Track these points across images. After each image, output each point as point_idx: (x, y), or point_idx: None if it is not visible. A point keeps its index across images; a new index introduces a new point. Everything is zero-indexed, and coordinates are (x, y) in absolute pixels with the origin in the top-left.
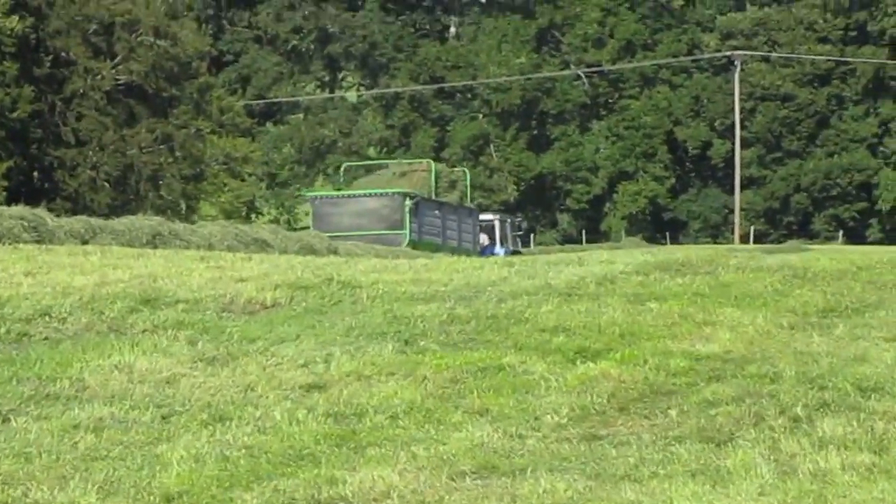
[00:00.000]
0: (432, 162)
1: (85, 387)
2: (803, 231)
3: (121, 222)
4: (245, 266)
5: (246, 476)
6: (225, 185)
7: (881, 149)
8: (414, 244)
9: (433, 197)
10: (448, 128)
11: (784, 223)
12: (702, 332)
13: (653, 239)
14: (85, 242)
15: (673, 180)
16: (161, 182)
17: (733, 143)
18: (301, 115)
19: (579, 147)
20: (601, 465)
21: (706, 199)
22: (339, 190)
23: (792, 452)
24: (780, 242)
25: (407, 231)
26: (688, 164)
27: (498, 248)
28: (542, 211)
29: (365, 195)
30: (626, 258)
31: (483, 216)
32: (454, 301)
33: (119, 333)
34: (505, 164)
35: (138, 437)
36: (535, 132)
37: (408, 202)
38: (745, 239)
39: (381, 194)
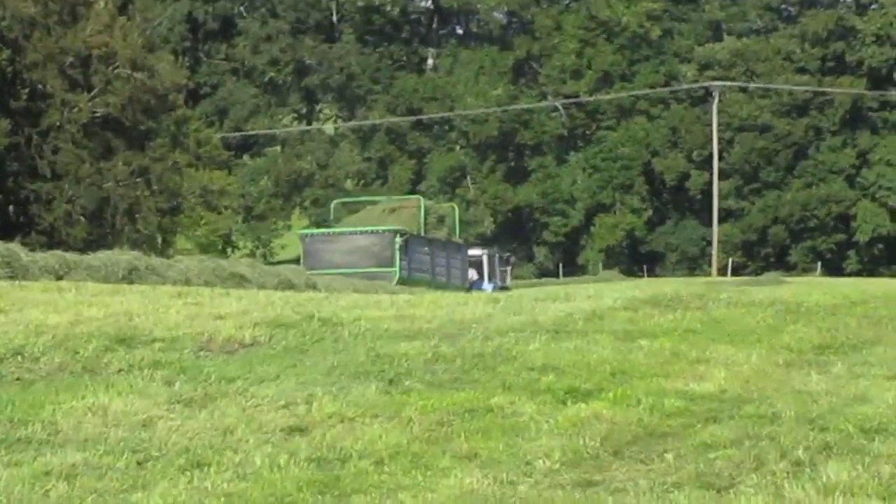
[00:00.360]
0: (421, 198)
1: (58, 430)
2: (781, 263)
3: (96, 257)
4: (223, 302)
5: None
6: (201, 218)
7: (859, 180)
8: (404, 281)
9: (422, 233)
10: (425, 160)
11: (762, 255)
12: (695, 370)
13: (630, 272)
14: (59, 278)
15: (650, 212)
16: (137, 215)
17: (711, 175)
18: (278, 148)
19: (556, 179)
20: None
21: (683, 231)
22: (329, 227)
23: (797, 500)
24: (757, 275)
25: (397, 268)
26: (665, 195)
27: (486, 284)
28: (518, 244)
29: (355, 233)
30: (614, 293)
31: (471, 251)
32: (438, 339)
33: (93, 374)
34: (482, 197)
35: (112, 485)
36: (513, 164)
37: (398, 239)
38: (722, 271)
39: (372, 232)
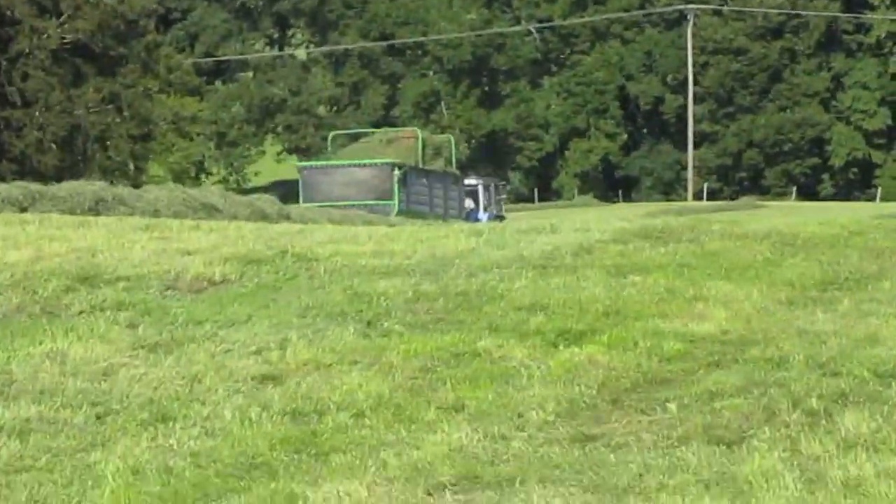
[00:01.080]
0: (419, 130)
1: (12, 380)
2: (756, 187)
3: (62, 188)
4: (192, 237)
5: (192, 492)
6: (173, 144)
7: (833, 104)
8: (402, 213)
9: (420, 165)
10: (399, 85)
11: (736, 179)
12: (693, 308)
13: (605, 197)
14: (24, 210)
15: (625, 137)
16: (109, 142)
17: (685, 99)
18: (250, 74)
19: (530, 103)
20: (599, 475)
21: (658, 155)
22: (327, 159)
23: (815, 455)
24: (732, 199)
25: (396, 201)
26: (640, 119)
27: (482, 213)
28: (493, 169)
29: (354, 166)
30: (602, 225)
31: (467, 181)
32: (419, 276)
33: (52, 316)
34: (456, 122)
35: (69, 443)
36: (486, 89)
37: (396, 172)
38: (698, 196)
39: (371, 165)
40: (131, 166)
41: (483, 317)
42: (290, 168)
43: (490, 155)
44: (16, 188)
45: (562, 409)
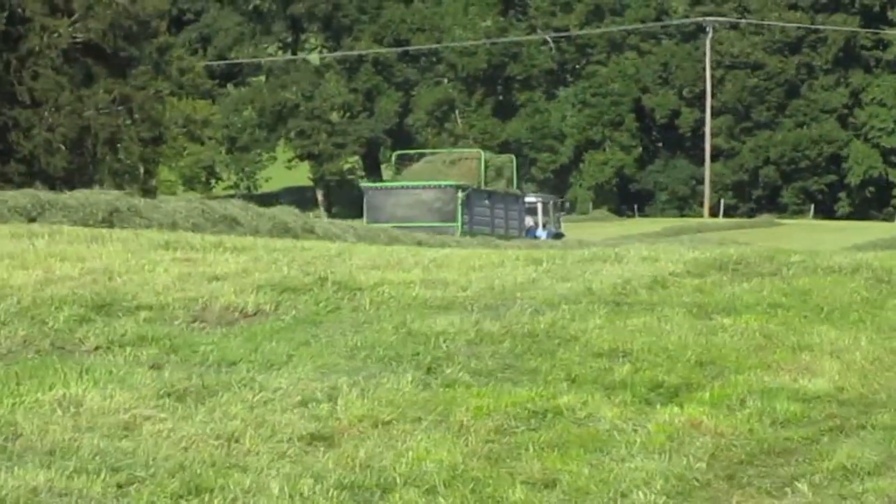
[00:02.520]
0: (482, 151)
1: (17, 434)
2: (772, 204)
3: (73, 196)
4: (219, 259)
5: None
6: (184, 148)
7: (851, 120)
8: (465, 235)
9: (482, 186)
10: (413, 92)
11: (753, 196)
12: (799, 359)
13: (619, 211)
14: (32, 220)
15: (640, 150)
16: (119, 145)
17: (702, 112)
18: (263, 78)
19: (545, 114)
20: None
21: (674, 170)
22: (390, 180)
23: None
24: (749, 216)
25: (459, 223)
26: (655, 133)
27: (540, 231)
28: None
29: (418, 187)
30: (670, 254)
31: (527, 199)
32: (478, 311)
33: (64, 352)
34: (470, 131)
35: None
36: (501, 98)
37: (460, 194)
38: (714, 212)
39: (435, 187)
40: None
41: (558, 364)
42: (301, 174)
43: None
44: (24, 196)
45: (671, 488)
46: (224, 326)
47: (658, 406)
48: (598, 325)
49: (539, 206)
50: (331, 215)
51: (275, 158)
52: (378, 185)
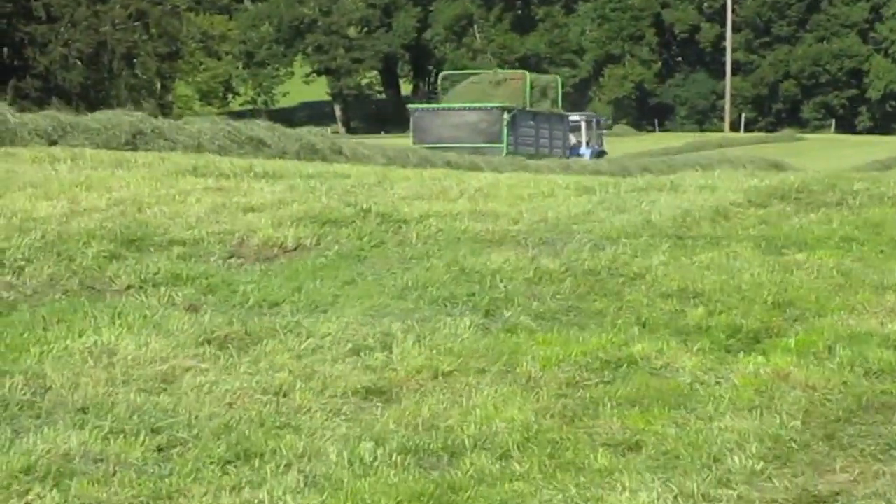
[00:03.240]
0: (527, 73)
1: (46, 387)
2: (792, 119)
3: (95, 118)
4: (253, 188)
5: None
6: (201, 64)
7: (872, 35)
8: (510, 155)
9: (527, 107)
10: (431, 7)
11: (773, 110)
12: (883, 301)
13: (638, 125)
14: (53, 143)
15: (660, 65)
16: (135, 60)
17: (722, 27)
18: None
19: (565, 29)
20: None
21: (693, 84)
22: (437, 101)
23: None
24: (769, 131)
25: (505, 144)
26: (675, 47)
27: (584, 149)
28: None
29: (464, 109)
30: (729, 182)
31: (570, 118)
32: (533, 246)
33: (94, 292)
34: (489, 46)
35: (123, 496)
36: (520, 12)
37: (506, 116)
38: (734, 126)
39: (481, 108)
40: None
41: (625, 306)
42: (318, 89)
43: None
44: (44, 118)
45: (768, 452)
46: (263, 263)
47: (740, 355)
48: (662, 261)
49: (583, 124)
50: (349, 130)
51: (292, 73)
52: (425, 106)
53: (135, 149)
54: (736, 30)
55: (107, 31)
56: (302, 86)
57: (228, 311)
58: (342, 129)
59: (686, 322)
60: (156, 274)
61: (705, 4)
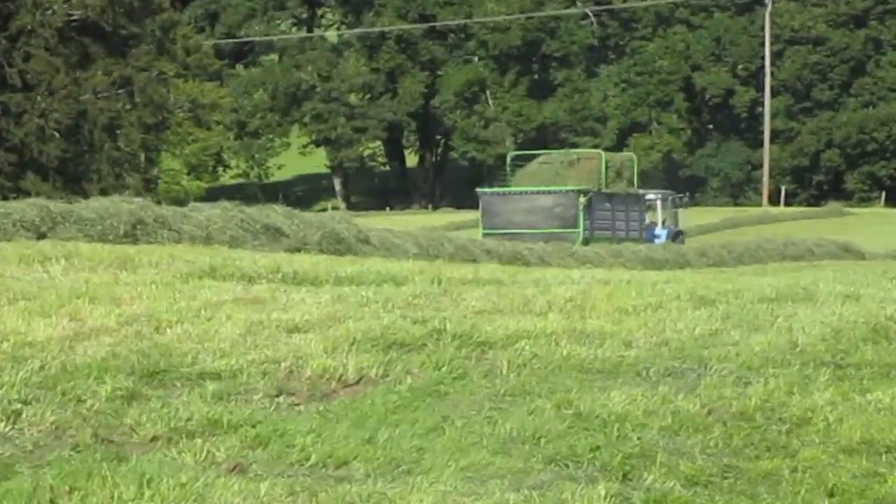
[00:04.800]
0: (602, 152)
1: None
2: (835, 191)
3: (90, 207)
4: (293, 300)
5: None
6: (190, 134)
7: None
8: (586, 241)
9: (603, 189)
10: (439, 72)
11: (814, 182)
12: None
13: None
14: (42, 236)
15: (690, 133)
16: (118, 131)
17: (758, 91)
18: (275, 57)
19: (586, 94)
20: None
21: (727, 154)
22: (507, 185)
23: None
24: (811, 204)
25: (581, 229)
26: (706, 114)
27: (660, 229)
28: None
29: (537, 192)
30: (871, 288)
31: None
32: (657, 378)
33: (112, 447)
34: (503, 114)
35: None
36: (537, 77)
37: (582, 199)
38: (773, 200)
39: (555, 191)
40: (143, 158)
41: (801, 466)
42: (316, 161)
43: (540, 150)
44: (32, 208)
45: None
46: (319, 402)
47: None
48: (828, 399)
49: (658, 203)
50: (349, 205)
51: (288, 144)
52: (494, 190)
53: (135, 241)
54: (774, 94)
55: (87, 99)
56: (298, 157)
57: (285, 472)
58: (342, 204)
59: (888, 489)
60: (188, 420)
61: (740, 66)
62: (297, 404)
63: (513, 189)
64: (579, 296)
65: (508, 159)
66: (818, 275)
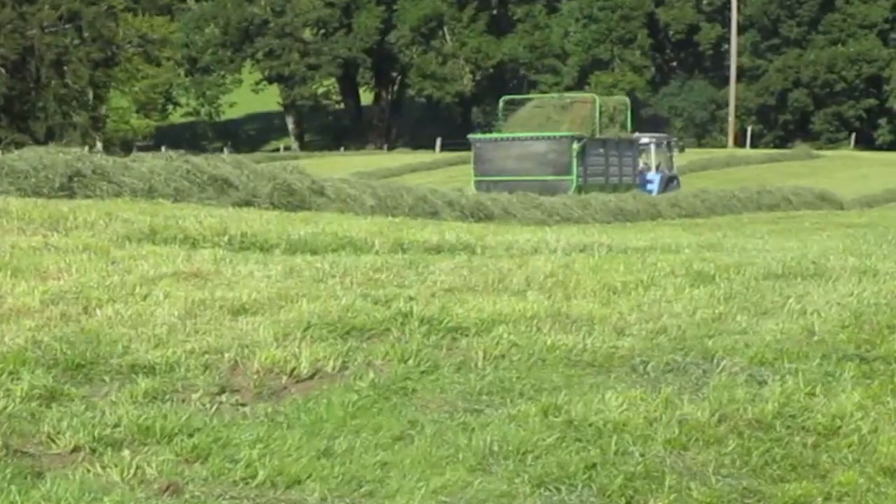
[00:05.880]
0: (596, 97)
1: None
2: (802, 131)
3: (23, 158)
4: (239, 273)
5: None
6: (139, 71)
7: (893, 36)
8: (580, 189)
9: (597, 134)
10: (395, 6)
11: (780, 122)
12: None
13: None
14: None
15: (653, 70)
16: (66, 67)
17: (723, 27)
18: None
19: (546, 30)
20: None
21: (691, 93)
22: (500, 130)
23: None
24: (776, 145)
25: (574, 176)
26: (670, 51)
27: (652, 174)
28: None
29: (530, 138)
30: (888, 261)
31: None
32: (657, 376)
33: (25, 460)
34: (461, 50)
35: None
36: (496, 12)
37: (575, 146)
38: (740, 141)
39: (548, 138)
40: (91, 96)
41: (835, 492)
42: (269, 99)
43: (499, 88)
44: None
45: None
46: (268, 401)
47: None
48: (856, 403)
49: (652, 147)
50: (302, 145)
51: (240, 81)
52: (487, 136)
53: (72, 195)
54: (740, 31)
55: (34, 35)
56: (250, 95)
57: (227, 493)
58: (295, 144)
59: None
60: (115, 427)
61: (705, 1)
62: (243, 404)
63: (505, 135)
64: (561, 270)
65: (501, 104)
66: (826, 245)
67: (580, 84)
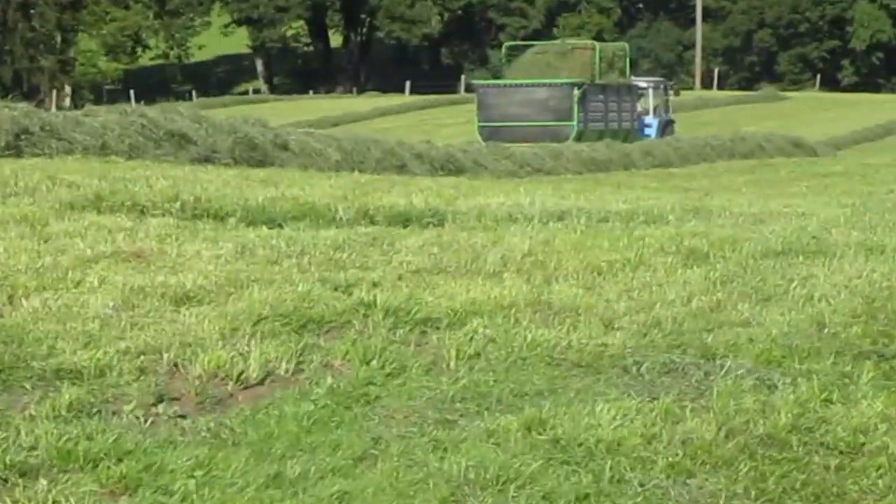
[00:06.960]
0: (597, 43)
1: None
2: (767, 73)
3: None
4: (185, 252)
5: None
6: (107, 13)
7: None
8: (580, 134)
9: (596, 80)
10: None
11: (745, 63)
12: None
13: None
14: None
15: (619, 12)
16: (33, 10)
17: None
18: None
19: None
20: None
21: (658, 34)
22: (501, 77)
23: None
24: (743, 87)
25: (575, 122)
26: None
27: (650, 118)
28: (470, 46)
29: (532, 85)
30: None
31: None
32: (653, 378)
33: None
34: None
35: None
36: None
37: (576, 92)
38: (706, 82)
39: (549, 84)
40: (59, 39)
41: None
42: (238, 41)
43: (466, 31)
44: None
45: None
46: (211, 412)
47: None
48: (879, 413)
49: (650, 91)
50: (272, 87)
51: (209, 24)
52: (490, 82)
53: (19, 153)
54: None
55: None
56: (220, 37)
57: None
58: (264, 87)
59: None
60: (31, 451)
61: None
62: (182, 417)
63: (508, 82)
64: (540, 248)
65: (503, 50)
66: (826, 213)
67: (548, 26)
